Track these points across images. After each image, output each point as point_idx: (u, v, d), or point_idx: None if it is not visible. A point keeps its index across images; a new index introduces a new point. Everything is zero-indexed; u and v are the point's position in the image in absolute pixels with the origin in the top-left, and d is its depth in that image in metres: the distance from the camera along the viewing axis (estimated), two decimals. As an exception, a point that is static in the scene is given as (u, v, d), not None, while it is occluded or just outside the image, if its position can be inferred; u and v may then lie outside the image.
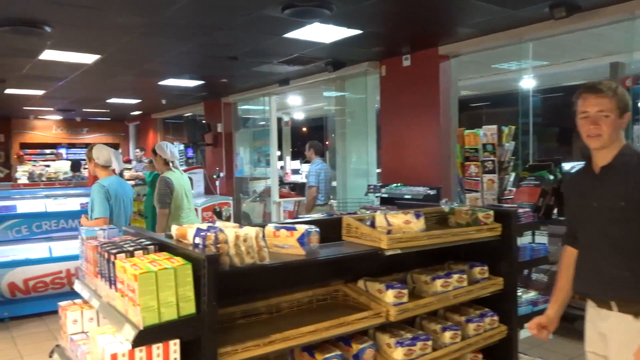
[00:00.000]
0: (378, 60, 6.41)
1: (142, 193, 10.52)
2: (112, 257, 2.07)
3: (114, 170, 4.20)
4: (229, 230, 2.16)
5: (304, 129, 18.23)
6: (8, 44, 5.60)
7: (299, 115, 14.72)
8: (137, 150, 13.32)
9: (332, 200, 8.32)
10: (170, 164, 5.03)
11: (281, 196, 9.61)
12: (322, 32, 5.09)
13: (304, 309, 2.66)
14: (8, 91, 9.25)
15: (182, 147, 14.61)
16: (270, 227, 2.56)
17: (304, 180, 13.08)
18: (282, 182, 10.88)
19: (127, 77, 7.83)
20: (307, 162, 8.28)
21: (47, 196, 6.08)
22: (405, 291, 2.62)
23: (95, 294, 2.29)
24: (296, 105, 12.33)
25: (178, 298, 1.92)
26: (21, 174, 12.27)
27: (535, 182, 4.18)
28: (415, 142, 6.02)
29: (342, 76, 7.17)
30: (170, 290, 1.89)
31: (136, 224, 9.13)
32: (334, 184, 8.03)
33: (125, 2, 4.21)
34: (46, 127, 15.28)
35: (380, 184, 6.14)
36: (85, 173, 10.24)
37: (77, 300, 2.49)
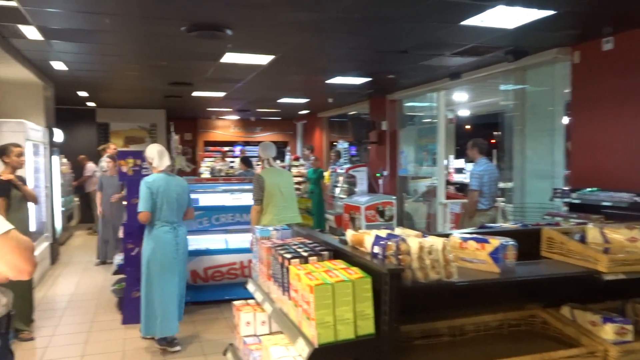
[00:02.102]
0: (570, 45, 5.57)
1: (306, 190, 10.86)
2: (286, 262, 1.93)
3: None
4: (412, 240, 1.88)
5: (467, 127, 17.20)
6: (194, 49, 6.06)
7: (464, 112, 13.87)
8: (305, 148, 13.82)
9: (502, 203, 7.57)
10: (265, 162, 5.32)
11: (447, 197, 9.07)
12: (506, 16, 4.54)
13: (492, 335, 2.27)
14: (195, 94, 10.20)
15: (346, 145, 14.81)
16: (456, 237, 2.22)
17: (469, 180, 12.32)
18: (447, 182, 10.29)
19: (297, 76, 8.04)
20: (471, 161, 7.62)
21: (224, 191, 6.47)
22: (630, 327, 2.08)
23: (268, 297, 2.19)
24: (462, 101, 11.59)
25: (355, 315, 1.69)
26: (204, 169, 13.55)
27: None
28: (617, 139, 5.10)
29: (524, 66, 6.42)
30: (347, 305, 1.67)
31: (303, 221, 9.44)
32: (509, 185, 7.28)
33: (299, -2, 4.20)
34: (225, 126, 16.71)
35: (569, 188, 5.32)
36: (258, 169, 10.88)
37: (251, 301, 2.44)
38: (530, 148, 6.77)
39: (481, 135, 12.54)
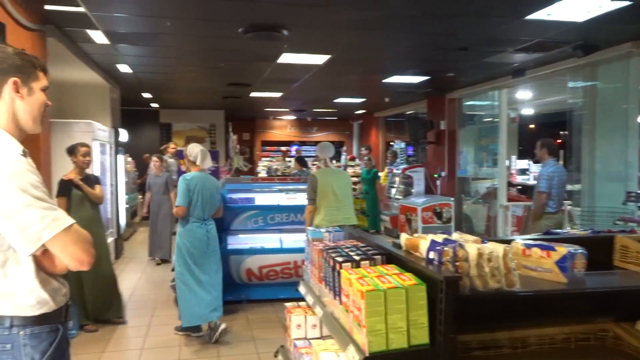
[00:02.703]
0: (647, 38, 5.20)
1: (360, 190, 10.76)
2: (337, 266, 1.87)
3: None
4: (470, 245, 1.77)
5: (531, 126, 16.48)
6: (252, 50, 6.13)
7: (527, 111, 13.29)
8: (362, 149, 13.72)
9: (569, 207, 7.18)
10: (322, 162, 5.33)
11: (509, 199, 8.70)
12: (575, 9, 4.28)
13: (558, 349, 2.11)
14: (253, 94, 10.35)
15: (402, 145, 14.57)
16: (518, 243, 2.09)
17: (533, 182, 11.77)
18: (509, 184, 9.87)
19: (353, 75, 7.97)
20: (537, 162, 7.23)
21: (280, 190, 6.50)
22: None
23: (319, 300, 2.15)
24: (525, 99, 11.10)
25: (409, 324, 1.61)
26: (261, 168, 13.74)
27: None
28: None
29: (594, 62, 6.05)
30: (400, 313, 1.60)
31: (358, 222, 9.35)
32: (577, 187, 6.89)
33: (355, -4, 4.13)
34: (282, 126, 16.89)
35: (644, 192, 4.96)
36: (313, 169, 10.90)
37: (302, 303, 2.40)
38: (600, 148, 6.37)
39: (546, 134, 11.98)
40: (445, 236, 1.93)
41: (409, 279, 1.67)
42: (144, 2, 4.44)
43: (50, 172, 5.58)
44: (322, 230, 2.41)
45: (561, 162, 8.29)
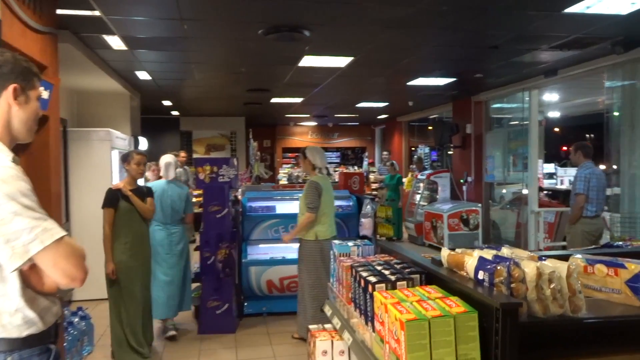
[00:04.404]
0: (695, 31, 4.84)
1: (385, 197, 10.46)
2: (369, 287, 1.62)
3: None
4: (528, 264, 1.51)
5: (556, 129, 15.95)
6: (272, 53, 5.93)
7: (553, 114, 12.82)
8: (385, 153, 13.44)
9: (606, 213, 6.79)
10: (317, 171, 4.86)
11: (539, 205, 8.32)
12: (619, 1, 3.96)
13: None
14: (273, 100, 10.18)
15: (427, 149, 14.23)
16: (578, 259, 1.80)
17: (562, 186, 11.29)
18: (539, 189, 9.45)
19: (377, 78, 7.72)
20: (574, 166, 6.84)
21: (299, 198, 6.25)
22: None
23: (348, 325, 1.89)
24: (552, 101, 10.67)
25: (458, 359, 1.35)
26: (282, 175, 13.56)
27: None
28: None
29: (634, 59, 5.68)
30: (448, 347, 1.34)
31: (383, 230, 9.08)
32: (616, 191, 6.50)
33: (381, -8, 3.90)
34: (303, 132, 16.70)
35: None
36: (336, 176, 10.66)
37: (327, 326, 2.15)
38: (641, 151, 5.99)
39: (572, 138, 11.51)
40: (494, 252, 1.67)
41: (456, 305, 1.41)
42: (161, 4, 4.27)
43: (61, 181, 5.40)
44: (350, 244, 2.16)
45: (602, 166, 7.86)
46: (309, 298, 4.64)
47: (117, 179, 6.81)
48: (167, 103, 10.90)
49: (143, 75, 7.35)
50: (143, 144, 8.73)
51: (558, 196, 9.63)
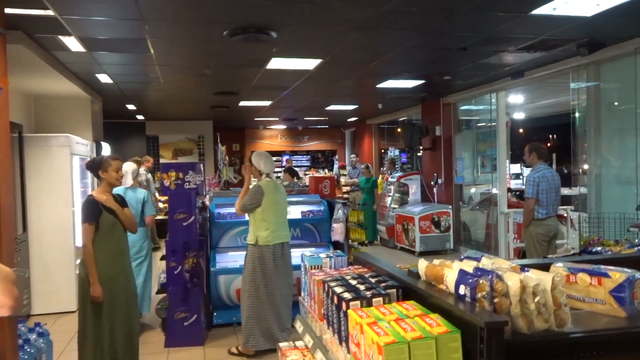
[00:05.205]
0: (656, 34, 4.92)
1: (358, 201, 10.38)
2: (343, 305, 1.50)
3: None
4: (510, 276, 1.42)
5: (520, 130, 16.28)
6: (239, 55, 5.78)
7: (518, 115, 13.04)
8: (352, 156, 13.39)
9: (572, 212, 6.87)
10: (264, 176, 4.73)
11: (508, 205, 8.39)
12: (584, 2, 3.98)
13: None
14: (241, 103, 10.00)
15: (396, 152, 14.26)
16: (559, 268, 1.73)
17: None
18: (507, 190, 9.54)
19: (346, 81, 7.65)
20: (528, 167, 6.91)
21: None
22: None
23: (320, 343, 1.78)
24: (517, 103, 10.83)
25: (440, 383, 1.25)
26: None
27: None
28: None
29: (597, 61, 5.77)
30: (429, 371, 1.23)
31: (355, 235, 8.97)
32: (583, 191, 6.57)
33: (349, -8, 3.80)
34: (273, 136, 16.52)
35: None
36: (306, 179, 10.53)
37: (299, 343, 2.03)
38: (606, 150, 6.08)
39: (536, 139, 11.71)
40: (475, 263, 1.57)
41: (437, 324, 1.31)
42: (119, 4, 4.07)
43: (13, 190, 5.09)
44: (323, 255, 2.04)
45: (554, 167, 7.96)
46: (243, 306, 4.50)
47: (77, 186, 6.54)
48: (131, 107, 10.57)
49: (104, 78, 7.07)
50: (106, 149, 8.43)
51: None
